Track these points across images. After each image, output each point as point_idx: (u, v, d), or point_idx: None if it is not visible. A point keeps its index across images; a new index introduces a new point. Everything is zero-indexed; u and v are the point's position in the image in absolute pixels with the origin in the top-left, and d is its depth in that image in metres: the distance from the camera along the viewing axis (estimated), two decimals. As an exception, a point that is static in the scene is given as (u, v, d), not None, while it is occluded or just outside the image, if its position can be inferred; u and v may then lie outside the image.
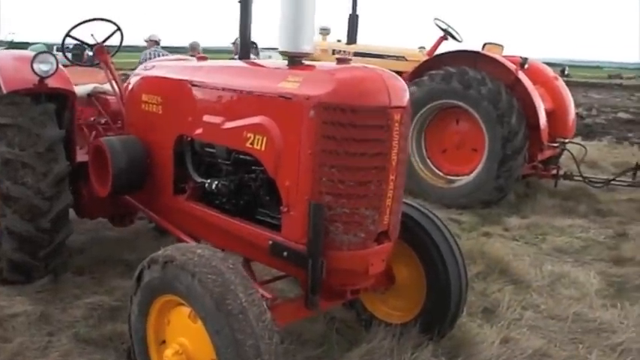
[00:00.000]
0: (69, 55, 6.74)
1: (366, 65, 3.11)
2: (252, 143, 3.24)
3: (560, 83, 8.74)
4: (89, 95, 5.33)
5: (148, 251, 4.87)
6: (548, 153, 8.14)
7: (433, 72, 7.68)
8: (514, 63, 7.64)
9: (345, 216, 2.95)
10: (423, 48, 9.35)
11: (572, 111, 8.64)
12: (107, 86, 5.32)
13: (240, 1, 3.79)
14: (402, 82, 3.08)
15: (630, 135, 16.75)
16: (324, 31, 10.01)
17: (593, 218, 7.37)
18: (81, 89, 5.35)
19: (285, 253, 3.12)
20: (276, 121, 3.13)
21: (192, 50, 10.89)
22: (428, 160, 8.04)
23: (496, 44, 8.56)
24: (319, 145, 2.90)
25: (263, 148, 3.18)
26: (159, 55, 9.32)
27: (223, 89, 3.51)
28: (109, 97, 5.33)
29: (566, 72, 9.58)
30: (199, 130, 3.66)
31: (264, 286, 3.59)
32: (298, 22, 3.12)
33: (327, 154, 2.89)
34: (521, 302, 4.66)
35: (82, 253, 5.31)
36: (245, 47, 3.90)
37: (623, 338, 4.16)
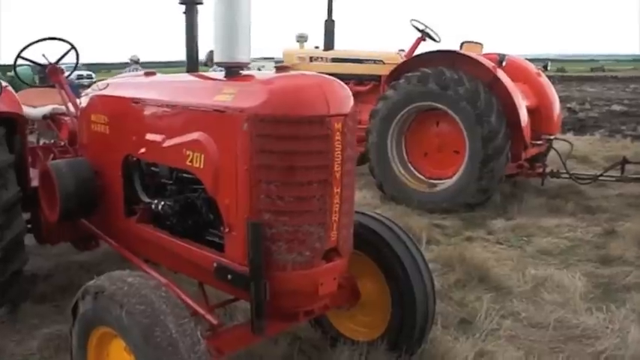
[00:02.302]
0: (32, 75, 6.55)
1: (304, 72, 2.93)
2: (191, 161, 3.06)
3: (544, 79, 8.53)
4: (45, 117, 5.15)
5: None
6: (533, 151, 7.92)
7: (409, 74, 7.47)
8: (492, 61, 7.43)
9: (287, 234, 2.75)
10: (403, 50, 9.16)
11: (556, 107, 8.43)
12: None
13: (184, 12, 3.63)
14: (344, 89, 2.89)
15: (623, 127, 16.57)
16: (302, 38, 9.84)
17: (581, 216, 7.14)
18: (37, 111, 5.18)
19: (229, 276, 2.93)
20: (212, 137, 2.94)
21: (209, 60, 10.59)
22: (409, 165, 7.80)
23: (475, 42, 8.36)
24: (255, 160, 2.71)
25: (202, 166, 3.00)
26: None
27: (162, 105, 3.33)
28: (67, 119, 5.15)
29: (548, 67, 9.36)
30: (143, 150, 3.48)
31: (217, 310, 3.43)
32: (233, 31, 2.93)
33: (263, 170, 2.70)
34: (501, 311, 4.45)
35: (47, 279, 5.12)
36: (192, 59, 3.72)
37: (606, 345, 3.95)
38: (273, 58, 10.78)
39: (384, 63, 8.81)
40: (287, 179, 2.69)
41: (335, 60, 9.26)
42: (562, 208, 7.38)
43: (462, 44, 8.26)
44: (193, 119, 3.08)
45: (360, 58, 9.12)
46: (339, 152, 2.76)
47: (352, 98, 2.91)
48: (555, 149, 8.15)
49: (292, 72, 2.91)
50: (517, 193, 8.06)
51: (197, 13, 3.64)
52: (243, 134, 2.72)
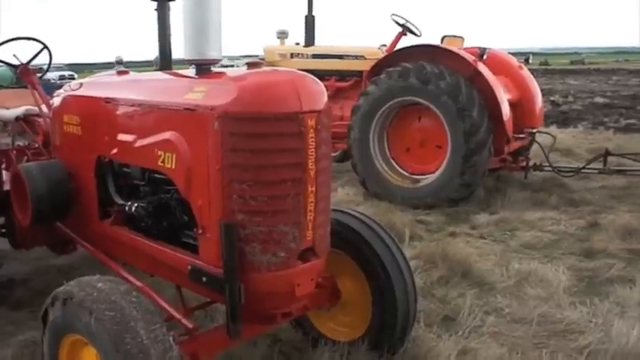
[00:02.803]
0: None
1: (276, 68, 2.86)
2: (163, 161, 2.98)
3: (525, 72, 8.49)
4: (17, 119, 5.03)
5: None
6: (516, 144, 7.89)
7: (390, 69, 7.41)
8: (473, 54, 7.38)
9: (261, 235, 2.68)
10: (385, 45, 9.08)
11: (539, 100, 8.40)
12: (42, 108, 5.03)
13: (156, 9, 3.55)
14: (317, 85, 2.82)
15: (606, 119, 16.64)
16: (282, 35, 9.73)
17: (564, 209, 7.12)
18: (10, 113, 5.06)
19: (204, 278, 2.86)
20: (184, 137, 2.87)
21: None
22: (392, 161, 7.73)
23: (456, 36, 8.32)
24: (226, 159, 2.63)
25: (173, 166, 2.92)
26: None
27: (133, 105, 3.25)
28: (40, 120, 5.04)
29: (530, 60, 9.29)
30: (115, 150, 3.41)
31: (198, 312, 3.36)
32: (203, 26, 2.86)
33: (235, 169, 2.63)
34: (484, 307, 4.41)
35: (24, 284, 5.02)
36: (165, 57, 3.65)
37: (590, 339, 3.90)
38: (257, 56, 10.69)
39: (365, 58, 8.72)
40: (260, 178, 2.63)
41: (316, 56, 9.18)
42: (545, 202, 7.36)
43: (443, 38, 8.20)
44: (164, 118, 3.01)
45: (341, 53, 9.03)
46: (313, 150, 2.69)
47: (326, 94, 2.85)
48: (538, 142, 8.12)
49: (264, 68, 2.84)
50: (500, 187, 8.02)
51: (169, 10, 3.57)
52: (215, 133, 2.65)
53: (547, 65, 61.68)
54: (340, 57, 9.00)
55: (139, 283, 3.37)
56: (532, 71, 8.90)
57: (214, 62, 2.96)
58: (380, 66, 7.81)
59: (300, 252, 2.79)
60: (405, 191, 7.42)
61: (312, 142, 2.68)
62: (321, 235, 2.89)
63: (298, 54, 9.33)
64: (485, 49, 7.51)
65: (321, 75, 9.32)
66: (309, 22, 9.31)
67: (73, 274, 5.08)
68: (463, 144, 6.91)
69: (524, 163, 7.96)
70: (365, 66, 8.47)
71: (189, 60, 2.93)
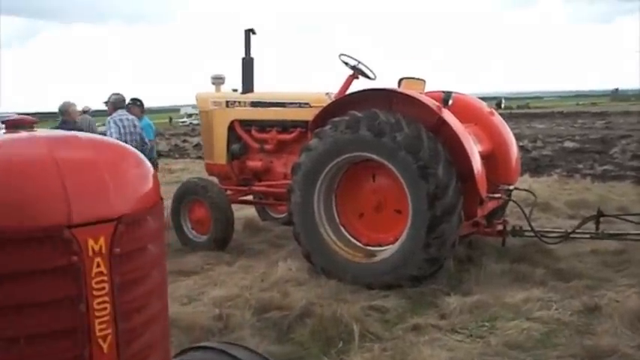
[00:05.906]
0: None
1: (37, 134, 1.49)
2: None
3: (498, 119, 7.27)
4: None
5: None
6: (490, 205, 6.59)
7: (336, 119, 6.10)
8: (436, 99, 6.13)
9: None
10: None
11: (514, 151, 7.17)
12: None
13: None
14: (116, 161, 1.46)
15: (580, 166, 15.76)
16: (218, 80, 8.41)
17: (553, 285, 5.77)
18: None
19: None
20: None
21: (64, 114, 9.15)
22: (342, 229, 6.32)
23: (416, 79, 7.07)
24: None
25: None
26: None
27: None
28: None
29: (502, 105, 8.29)
30: None
31: None
32: None
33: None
34: None
35: None
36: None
37: None
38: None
39: (310, 106, 7.38)
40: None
41: (255, 104, 7.86)
42: (529, 276, 6.01)
43: (401, 81, 6.94)
44: None
45: (284, 101, 7.69)
46: (104, 299, 1.32)
47: (149, 178, 1.50)
48: (516, 202, 6.84)
49: (22, 133, 1.47)
50: (474, 257, 6.66)
51: None
52: None
53: (511, 109, 61.85)
54: (283, 105, 7.67)
55: None
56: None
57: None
58: (324, 115, 6.49)
59: None
60: (357, 267, 6.02)
61: (103, 283, 1.31)
62: None
63: (234, 102, 8.01)
64: (450, 93, 6.25)
65: (262, 126, 8.07)
66: (247, 65, 7.98)
67: None
68: (427, 209, 5.58)
69: (500, 227, 6.64)
70: (310, 115, 7.10)
71: None
